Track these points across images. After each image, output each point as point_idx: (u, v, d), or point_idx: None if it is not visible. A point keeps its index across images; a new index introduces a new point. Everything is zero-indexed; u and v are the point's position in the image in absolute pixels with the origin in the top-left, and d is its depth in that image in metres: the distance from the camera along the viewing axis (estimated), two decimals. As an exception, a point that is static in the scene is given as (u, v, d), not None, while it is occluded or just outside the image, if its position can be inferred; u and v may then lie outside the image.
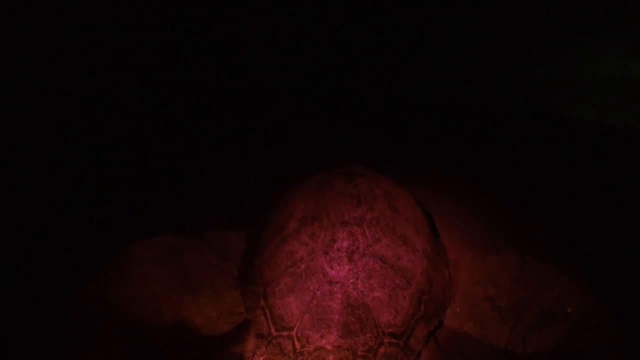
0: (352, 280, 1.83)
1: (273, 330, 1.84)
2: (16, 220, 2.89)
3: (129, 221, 2.91)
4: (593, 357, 1.95)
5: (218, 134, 4.52)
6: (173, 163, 3.88)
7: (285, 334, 1.79)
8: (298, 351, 1.72)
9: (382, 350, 1.73)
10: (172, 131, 4.45)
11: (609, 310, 2.09)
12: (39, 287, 2.40)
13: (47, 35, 3.72)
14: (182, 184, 3.51)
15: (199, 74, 5.41)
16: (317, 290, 1.82)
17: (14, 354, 2.04)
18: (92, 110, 4.32)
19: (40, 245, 2.70)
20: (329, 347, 1.69)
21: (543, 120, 5.35)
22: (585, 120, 5.09)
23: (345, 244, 1.93)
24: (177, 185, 3.48)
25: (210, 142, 4.36)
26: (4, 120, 3.55)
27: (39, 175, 3.42)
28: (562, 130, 4.97)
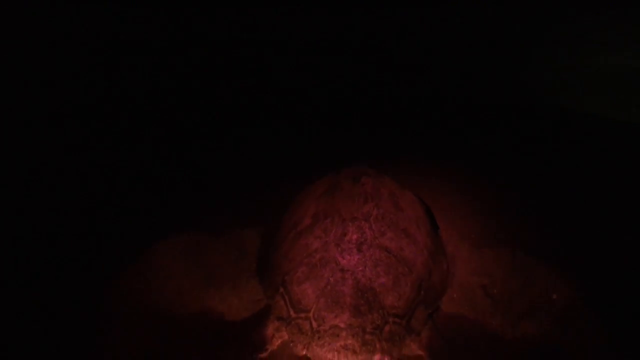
0: (360, 268, 2.09)
1: (292, 312, 2.08)
2: (53, 223, 3.12)
3: (155, 222, 3.14)
4: (575, 342, 2.12)
5: (232, 141, 4.76)
6: (192, 168, 4.12)
7: (302, 315, 2.04)
8: (315, 329, 1.97)
9: (387, 328, 1.98)
10: (191, 139, 4.68)
11: (591, 301, 2.28)
12: (75, 281, 2.60)
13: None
14: (201, 188, 3.74)
15: (215, 79, 5.64)
16: (331, 277, 2.07)
17: (54, 345, 2.20)
18: (118, 117, 4.54)
19: (75, 245, 2.91)
20: (342, 325, 1.94)
21: (546, 117, 5.47)
22: (589, 116, 5.21)
23: (355, 236, 2.19)
24: (197, 189, 3.72)
25: (225, 149, 4.59)
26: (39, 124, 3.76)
27: (72, 179, 3.65)
28: (564, 127, 5.10)
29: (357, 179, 2.56)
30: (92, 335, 2.24)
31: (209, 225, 2.96)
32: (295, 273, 2.17)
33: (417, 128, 5.25)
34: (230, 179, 3.94)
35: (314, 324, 1.98)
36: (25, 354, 2.16)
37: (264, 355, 2.12)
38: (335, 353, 1.89)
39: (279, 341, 2.14)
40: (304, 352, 1.97)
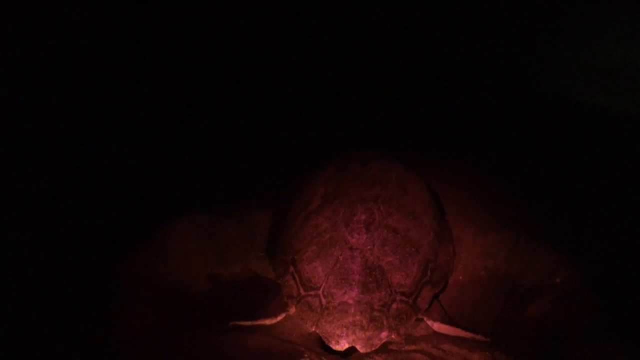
0: (369, 247, 2.15)
1: (302, 291, 2.15)
2: (71, 206, 3.21)
3: (169, 203, 3.22)
4: (577, 325, 2.15)
5: (243, 126, 4.83)
6: (206, 153, 4.20)
7: (312, 293, 2.11)
8: (324, 306, 2.05)
9: (394, 306, 2.05)
10: (203, 126, 4.76)
11: (593, 285, 2.30)
12: (93, 258, 2.67)
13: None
14: (214, 171, 3.82)
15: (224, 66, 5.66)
16: (340, 256, 2.14)
17: (70, 319, 2.24)
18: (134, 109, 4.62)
19: (93, 227, 2.98)
20: (350, 302, 2.01)
21: (553, 107, 5.44)
22: (594, 107, 5.16)
23: (363, 217, 2.25)
24: (209, 172, 3.80)
25: (235, 133, 4.67)
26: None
27: (89, 163, 3.74)
28: (571, 117, 5.08)
29: (365, 163, 2.62)
30: (108, 309, 2.31)
31: (222, 208, 3.02)
32: (305, 252, 2.24)
33: (428, 114, 5.28)
34: (242, 163, 4.02)
35: (324, 301, 2.06)
36: (41, 328, 2.22)
37: (274, 331, 2.21)
38: (344, 329, 1.95)
39: (289, 319, 2.24)
40: (313, 329, 2.04)
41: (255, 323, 2.22)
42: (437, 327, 2.17)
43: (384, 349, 2.02)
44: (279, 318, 2.21)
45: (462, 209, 3.06)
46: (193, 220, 2.86)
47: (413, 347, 2.06)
